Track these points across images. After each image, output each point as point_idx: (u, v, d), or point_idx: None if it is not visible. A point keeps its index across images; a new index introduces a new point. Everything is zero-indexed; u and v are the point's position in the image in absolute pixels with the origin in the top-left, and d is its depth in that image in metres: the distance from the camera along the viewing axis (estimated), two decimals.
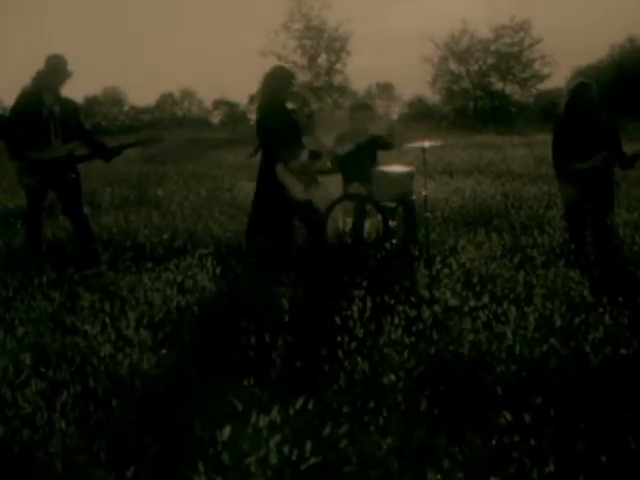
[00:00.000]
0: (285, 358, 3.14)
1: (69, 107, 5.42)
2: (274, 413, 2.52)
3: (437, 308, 3.70)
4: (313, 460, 2.35)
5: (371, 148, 6.04)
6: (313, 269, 4.82)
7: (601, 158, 4.87)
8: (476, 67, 42.26)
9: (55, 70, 5.30)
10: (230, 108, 61.05)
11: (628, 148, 5.36)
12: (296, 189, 5.11)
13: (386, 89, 56.22)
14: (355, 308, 3.51)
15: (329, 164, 5.57)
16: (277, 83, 5.29)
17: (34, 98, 5.22)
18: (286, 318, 3.60)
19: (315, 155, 5.22)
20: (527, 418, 2.54)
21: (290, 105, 5.42)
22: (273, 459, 2.30)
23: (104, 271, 4.76)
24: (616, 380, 3.00)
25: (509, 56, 41.30)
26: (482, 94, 42.33)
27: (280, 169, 5.11)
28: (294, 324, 3.63)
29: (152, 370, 3.08)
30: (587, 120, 5.01)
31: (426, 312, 3.59)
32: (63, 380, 2.91)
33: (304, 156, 5.15)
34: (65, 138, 5.32)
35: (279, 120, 5.16)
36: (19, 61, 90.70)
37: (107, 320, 3.59)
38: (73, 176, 5.38)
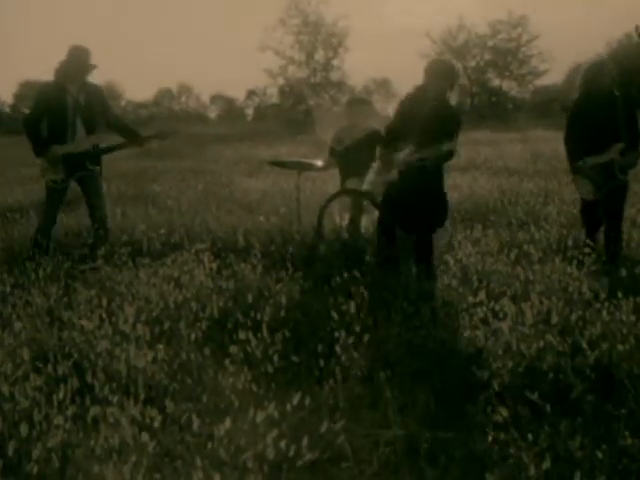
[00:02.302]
0: (282, 354, 3.14)
1: (93, 93, 5.31)
2: (271, 409, 2.52)
3: (434, 304, 3.69)
4: (310, 456, 2.35)
5: (369, 143, 6.03)
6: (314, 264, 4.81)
7: (617, 150, 4.46)
8: (473, 63, 42.28)
9: (78, 61, 5.20)
10: (227, 103, 61.03)
11: None
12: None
13: (383, 85, 56.15)
14: (352, 303, 3.51)
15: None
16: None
17: (58, 90, 5.14)
18: (283, 313, 3.60)
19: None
20: (524, 414, 2.54)
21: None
22: (270, 455, 2.30)
23: (101, 266, 4.75)
24: (613, 376, 3.01)
25: (506, 52, 41.32)
26: (479, 90, 42.35)
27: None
28: (291, 319, 3.63)
29: (149, 365, 3.07)
30: (603, 107, 4.54)
31: (423, 308, 3.59)
32: (60, 375, 2.91)
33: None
34: (90, 127, 5.24)
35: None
36: (18, 58, 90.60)
37: (104, 315, 3.58)
38: (97, 168, 5.32)
